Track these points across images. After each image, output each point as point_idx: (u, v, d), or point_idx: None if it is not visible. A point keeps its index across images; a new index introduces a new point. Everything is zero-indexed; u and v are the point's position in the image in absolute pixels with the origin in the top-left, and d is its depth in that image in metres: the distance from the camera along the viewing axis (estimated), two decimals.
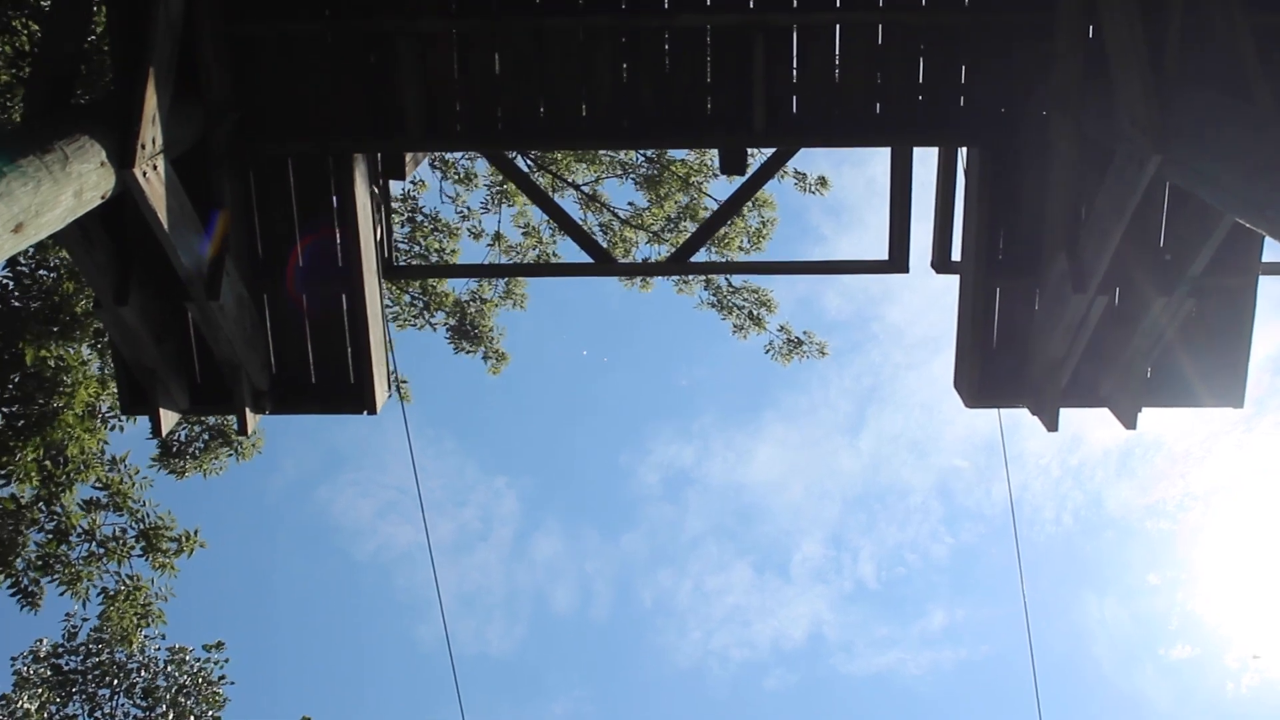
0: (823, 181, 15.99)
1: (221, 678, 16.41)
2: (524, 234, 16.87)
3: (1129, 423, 6.81)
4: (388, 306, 7.48)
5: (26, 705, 15.68)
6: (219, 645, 16.53)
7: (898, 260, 7.74)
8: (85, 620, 15.99)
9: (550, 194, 16.04)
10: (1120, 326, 6.65)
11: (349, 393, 7.30)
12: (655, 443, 36.54)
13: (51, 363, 10.55)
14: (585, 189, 16.66)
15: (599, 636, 36.90)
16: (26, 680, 16.07)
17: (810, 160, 16.05)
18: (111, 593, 11.98)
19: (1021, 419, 9.19)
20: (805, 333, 16.30)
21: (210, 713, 16.16)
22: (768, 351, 16.31)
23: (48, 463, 10.94)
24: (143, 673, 16.03)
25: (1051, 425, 6.91)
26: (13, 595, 11.32)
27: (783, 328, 16.25)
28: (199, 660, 16.24)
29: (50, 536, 11.25)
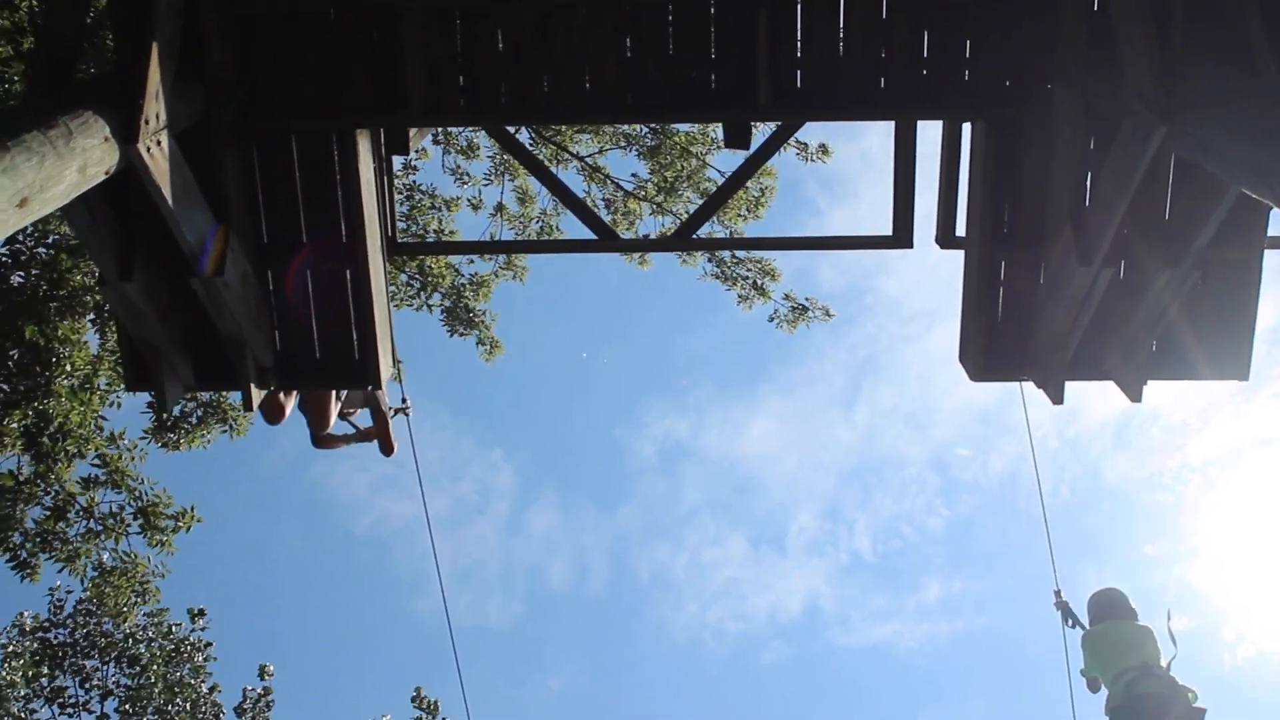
0: (824, 149, 16.02)
1: (208, 644, 16.50)
2: (522, 202, 16.86)
3: (1134, 395, 6.82)
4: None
5: (13, 677, 15.76)
6: (201, 612, 16.65)
7: (901, 235, 7.73)
8: (70, 593, 16.07)
9: (553, 165, 16.04)
10: (1125, 299, 6.66)
11: (353, 368, 7.30)
12: (651, 416, 36.64)
13: (48, 333, 10.54)
14: (588, 160, 16.63)
15: (595, 610, 37.09)
16: (17, 655, 16.14)
17: (806, 133, 16.08)
18: (108, 568, 12.02)
19: (1019, 390, 9.18)
20: (808, 299, 16.44)
21: (199, 680, 16.27)
22: (773, 320, 16.40)
23: (44, 440, 10.93)
24: (129, 641, 16.09)
25: (1057, 398, 6.93)
26: (12, 568, 11.36)
27: (787, 296, 16.36)
28: (184, 628, 16.34)
29: (49, 513, 11.28)
